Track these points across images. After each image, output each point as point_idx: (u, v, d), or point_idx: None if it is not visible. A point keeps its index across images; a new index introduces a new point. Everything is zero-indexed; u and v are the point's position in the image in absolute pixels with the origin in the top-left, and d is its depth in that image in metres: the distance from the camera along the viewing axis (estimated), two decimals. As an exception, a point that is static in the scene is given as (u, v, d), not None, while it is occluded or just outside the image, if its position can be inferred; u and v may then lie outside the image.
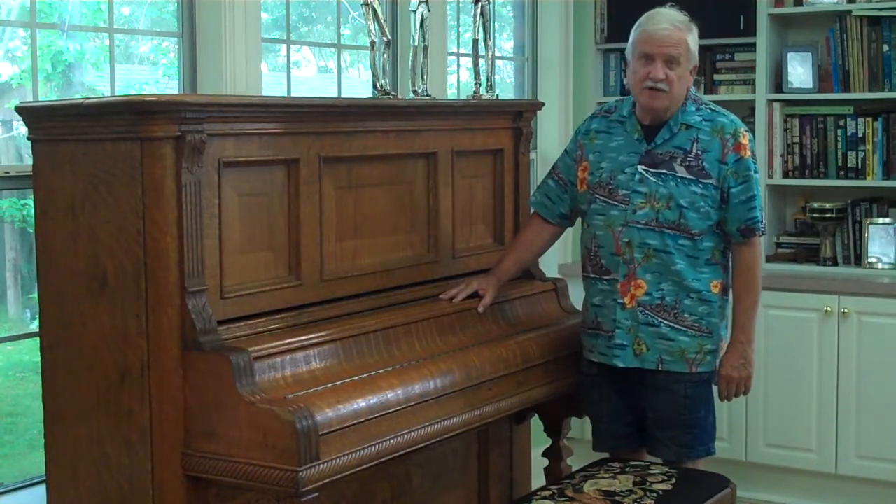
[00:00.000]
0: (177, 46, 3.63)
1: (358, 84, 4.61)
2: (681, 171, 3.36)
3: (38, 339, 2.94)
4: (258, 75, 3.67)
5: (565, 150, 3.67)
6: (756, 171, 3.42)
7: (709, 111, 3.44)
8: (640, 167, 3.40)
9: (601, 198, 3.45)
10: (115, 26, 3.49)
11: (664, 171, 3.37)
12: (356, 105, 3.34)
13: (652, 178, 3.38)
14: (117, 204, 2.72)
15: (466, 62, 4.89)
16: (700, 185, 3.35)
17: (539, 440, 3.97)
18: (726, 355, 3.46)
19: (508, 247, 3.77)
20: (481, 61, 3.86)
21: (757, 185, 3.41)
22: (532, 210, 3.74)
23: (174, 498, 2.71)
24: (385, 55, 3.49)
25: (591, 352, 3.53)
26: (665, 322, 3.38)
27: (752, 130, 3.51)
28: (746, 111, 4.90)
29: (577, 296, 3.96)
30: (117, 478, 2.78)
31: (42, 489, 3.02)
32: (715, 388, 3.51)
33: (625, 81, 3.51)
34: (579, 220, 3.65)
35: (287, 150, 3.01)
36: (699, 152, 3.37)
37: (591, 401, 3.60)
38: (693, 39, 3.40)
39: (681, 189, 3.35)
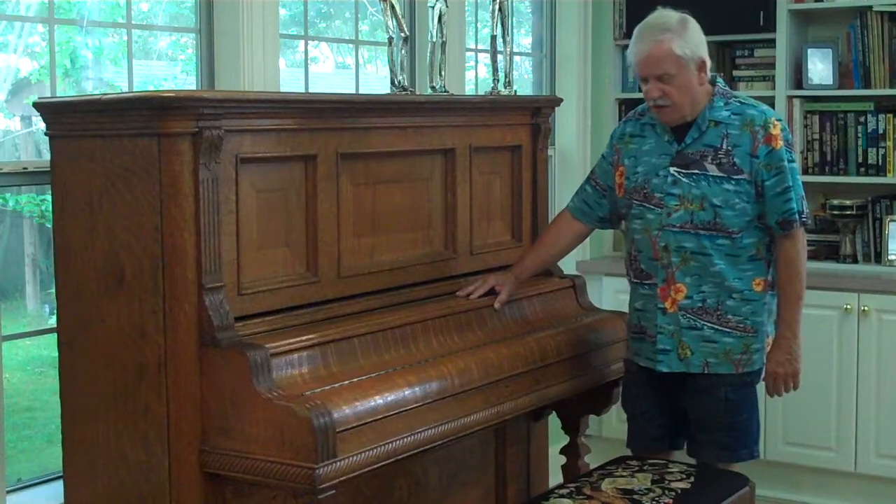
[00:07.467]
0: (195, 42, 3.63)
1: (376, 80, 4.60)
2: (712, 170, 3.32)
3: (56, 335, 2.94)
4: (276, 71, 3.66)
5: (602, 155, 3.64)
6: (791, 161, 3.35)
7: (738, 104, 3.38)
8: (671, 169, 3.37)
9: (638, 202, 3.43)
10: (133, 22, 3.48)
11: (696, 171, 3.33)
12: (374, 101, 3.33)
13: (684, 180, 3.34)
14: (135, 200, 2.72)
15: (484, 58, 4.87)
16: (732, 182, 3.31)
17: (557, 438, 3.96)
18: (772, 351, 3.43)
19: (530, 245, 3.75)
20: (499, 57, 3.85)
21: (793, 175, 3.34)
22: (563, 210, 3.71)
23: (191, 494, 2.71)
24: (403, 51, 3.49)
25: (636, 355, 3.51)
26: (708, 324, 3.35)
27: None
28: (766, 107, 4.87)
29: (595, 294, 3.95)
30: (134, 474, 2.78)
31: (59, 485, 3.03)
32: (762, 386, 3.48)
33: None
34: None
35: (305, 147, 3.00)
36: (729, 148, 3.32)
37: (628, 398, 3.61)
38: (683, 42, 3.26)
39: (713, 188, 3.31)
